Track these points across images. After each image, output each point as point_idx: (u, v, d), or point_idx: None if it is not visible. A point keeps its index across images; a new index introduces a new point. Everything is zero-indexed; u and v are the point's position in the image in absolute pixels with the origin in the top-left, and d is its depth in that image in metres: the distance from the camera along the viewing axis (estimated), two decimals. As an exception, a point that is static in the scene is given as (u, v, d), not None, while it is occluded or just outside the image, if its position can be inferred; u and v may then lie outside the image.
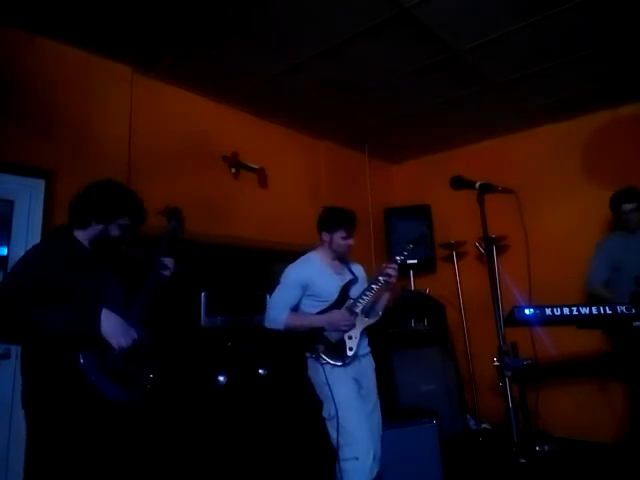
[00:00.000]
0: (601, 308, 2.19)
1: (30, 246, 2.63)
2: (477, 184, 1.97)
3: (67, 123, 2.85)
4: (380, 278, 2.46)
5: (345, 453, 2.23)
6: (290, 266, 2.54)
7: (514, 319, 2.15)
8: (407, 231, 4.65)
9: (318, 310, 2.46)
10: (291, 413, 3.17)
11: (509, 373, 1.83)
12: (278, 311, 2.42)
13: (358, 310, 2.45)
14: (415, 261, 4.48)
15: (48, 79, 2.81)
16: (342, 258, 2.62)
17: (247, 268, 3.57)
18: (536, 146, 4.36)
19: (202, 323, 3.03)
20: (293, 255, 2.64)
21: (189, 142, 3.48)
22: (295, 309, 2.49)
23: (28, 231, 2.68)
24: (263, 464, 2.91)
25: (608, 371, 3.49)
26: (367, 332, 2.54)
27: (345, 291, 2.50)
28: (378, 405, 2.53)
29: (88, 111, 2.96)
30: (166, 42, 2.93)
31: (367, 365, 2.54)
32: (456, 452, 3.43)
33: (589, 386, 3.74)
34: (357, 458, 2.19)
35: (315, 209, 4.39)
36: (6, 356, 2.51)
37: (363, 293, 2.47)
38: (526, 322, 2.16)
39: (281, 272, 2.55)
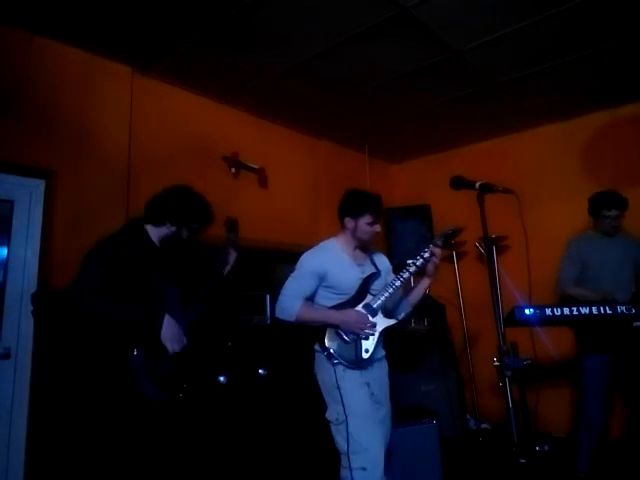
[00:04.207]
0: (601, 308, 2.18)
1: (29, 246, 2.67)
2: (477, 184, 1.96)
3: (67, 123, 2.85)
4: (404, 274, 2.22)
5: (352, 462, 2.05)
6: (306, 253, 2.32)
7: (514, 319, 2.15)
8: (407, 231, 4.66)
9: (333, 304, 2.23)
10: (291, 414, 3.17)
11: (509, 373, 1.83)
12: (290, 300, 2.21)
13: (378, 308, 2.21)
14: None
15: (48, 79, 2.81)
16: (365, 247, 2.37)
17: (247, 268, 3.56)
18: (536, 146, 4.36)
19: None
20: (293, 255, 2.63)
21: (189, 142, 3.48)
22: (311, 300, 2.29)
23: (28, 231, 2.68)
24: (263, 465, 2.91)
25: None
26: (384, 335, 2.29)
27: (365, 285, 2.24)
28: (390, 414, 2.35)
29: (88, 111, 2.96)
30: (166, 42, 2.93)
31: (380, 370, 2.32)
32: (456, 452, 3.43)
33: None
34: (365, 468, 2.03)
35: (315, 209, 4.44)
36: (6, 356, 2.50)
37: (385, 289, 2.23)
38: (526, 322, 2.16)
39: (281, 272, 2.51)
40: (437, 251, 2.26)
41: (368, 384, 2.20)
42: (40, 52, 2.79)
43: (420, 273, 2.32)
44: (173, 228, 2.12)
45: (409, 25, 2.75)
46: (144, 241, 2.09)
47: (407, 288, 2.40)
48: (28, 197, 2.72)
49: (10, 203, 2.66)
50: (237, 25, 2.75)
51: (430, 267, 2.28)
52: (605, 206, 3.05)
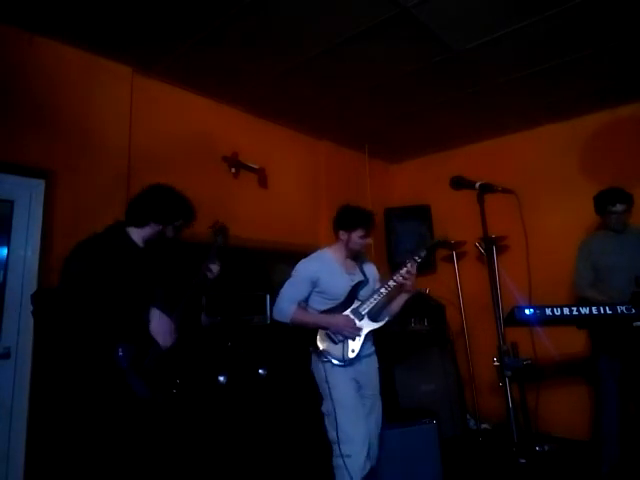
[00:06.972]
0: (601, 308, 2.18)
1: (29, 246, 2.67)
2: (477, 184, 1.97)
3: (67, 123, 2.85)
4: (390, 283, 2.49)
5: (339, 450, 2.31)
6: (302, 261, 2.57)
7: (514, 319, 2.14)
8: (407, 231, 4.66)
9: (325, 308, 2.48)
10: (290, 413, 3.17)
11: (509, 373, 1.83)
12: (286, 304, 2.46)
13: (364, 313, 2.47)
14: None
15: (48, 79, 2.81)
16: (356, 257, 2.63)
17: (247, 268, 3.57)
18: (536, 146, 4.36)
19: (202, 323, 3.04)
20: (293, 255, 2.66)
21: (189, 142, 3.48)
22: (305, 303, 2.54)
23: (28, 231, 2.68)
24: (262, 463, 2.91)
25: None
26: (373, 333, 2.54)
27: (354, 292, 2.51)
28: (378, 404, 2.56)
29: (88, 111, 2.96)
30: (166, 42, 2.93)
31: (369, 365, 2.55)
32: (456, 452, 3.43)
33: (589, 386, 3.74)
34: (350, 455, 2.28)
35: (315, 209, 4.44)
36: (6, 356, 2.50)
37: (371, 296, 2.49)
38: (526, 322, 2.16)
39: (281, 272, 2.58)
40: (405, 273, 2.47)
41: (356, 380, 2.45)
42: (40, 52, 2.79)
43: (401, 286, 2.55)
44: (158, 227, 2.10)
45: (409, 25, 2.75)
46: (126, 244, 2.04)
47: (391, 296, 2.60)
48: (28, 197, 2.71)
49: (10, 203, 2.66)
50: (237, 25, 2.74)
51: (408, 284, 2.51)
52: (610, 201, 3.03)
